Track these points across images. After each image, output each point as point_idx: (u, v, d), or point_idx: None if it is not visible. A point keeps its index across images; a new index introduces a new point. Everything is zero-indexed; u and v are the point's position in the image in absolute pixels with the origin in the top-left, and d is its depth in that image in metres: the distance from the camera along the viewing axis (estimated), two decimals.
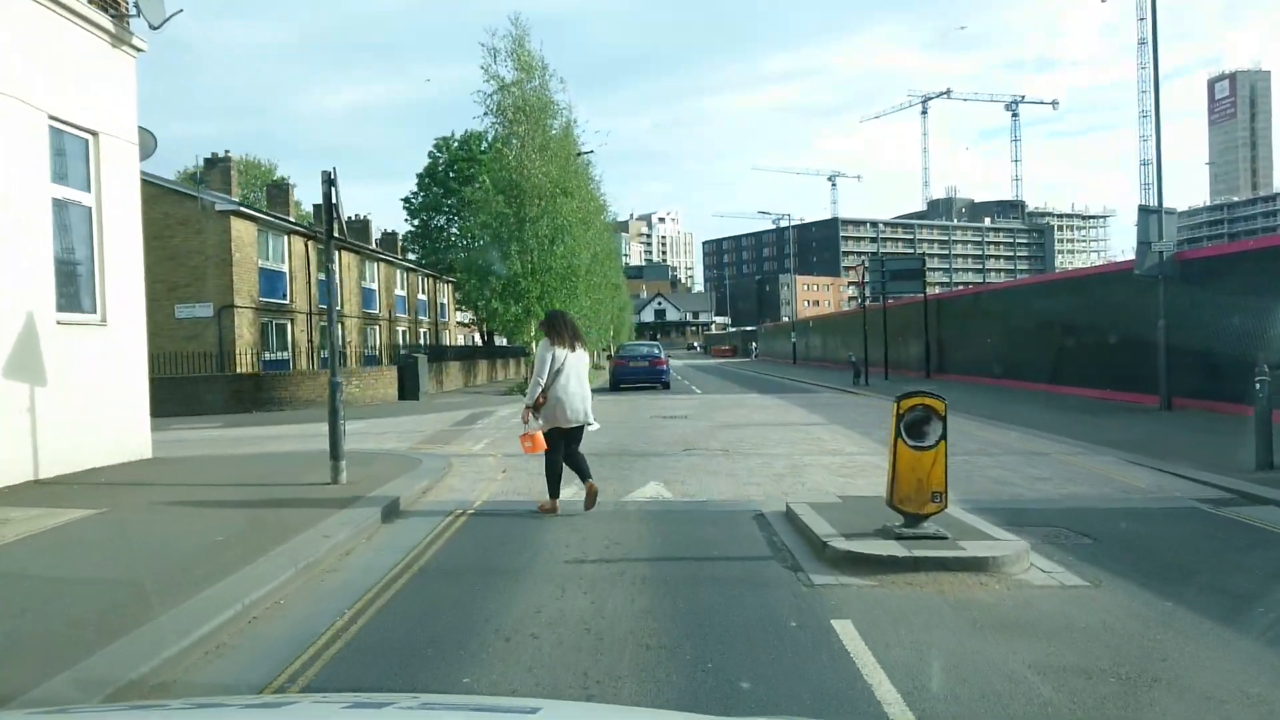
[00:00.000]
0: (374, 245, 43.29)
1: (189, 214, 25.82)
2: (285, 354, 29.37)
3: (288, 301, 29.74)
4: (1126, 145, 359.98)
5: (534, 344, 28.57)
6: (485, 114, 27.91)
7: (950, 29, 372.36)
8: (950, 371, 28.86)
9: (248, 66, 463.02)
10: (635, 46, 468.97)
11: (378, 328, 39.07)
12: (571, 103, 35.01)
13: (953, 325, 29.25)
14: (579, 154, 35.03)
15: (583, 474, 8.50)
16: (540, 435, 8.32)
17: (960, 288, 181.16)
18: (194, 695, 3.78)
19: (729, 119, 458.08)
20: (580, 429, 8.60)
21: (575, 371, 8.39)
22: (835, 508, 7.90)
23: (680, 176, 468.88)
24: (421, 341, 45.45)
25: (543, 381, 8.25)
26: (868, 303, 33.56)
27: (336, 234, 9.59)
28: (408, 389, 24.32)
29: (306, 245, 31.07)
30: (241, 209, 25.91)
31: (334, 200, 9.46)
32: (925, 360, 30.31)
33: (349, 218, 45.33)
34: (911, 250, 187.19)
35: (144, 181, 27.63)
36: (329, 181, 9.33)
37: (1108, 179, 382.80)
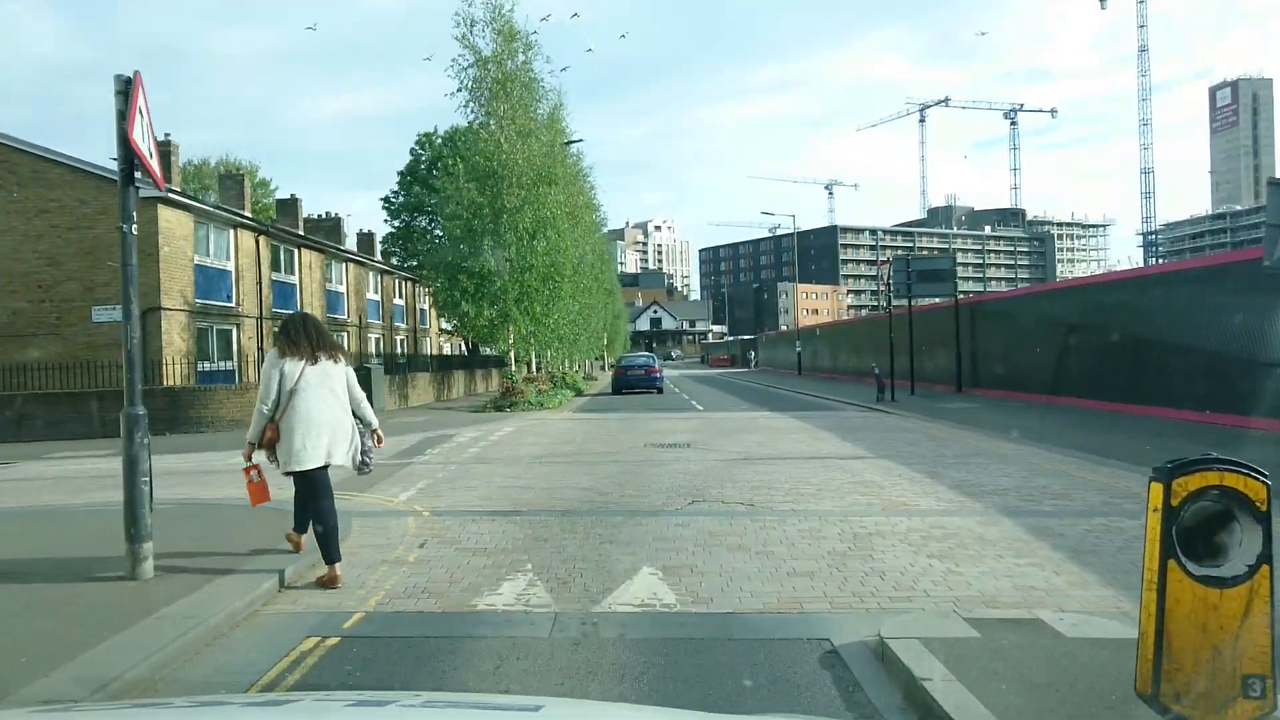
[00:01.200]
0: (347, 245, 39.78)
1: (113, 202, 22.22)
2: (230, 363, 25.78)
3: (233, 304, 26.14)
4: (1119, 157, 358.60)
5: (512, 353, 25.11)
6: (459, 89, 24.46)
7: (946, 39, 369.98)
8: (986, 385, 25.39)
9: (240, 74, 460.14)
10: (629, 56, 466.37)
11: (345, 335, 35.51)
12: (561, 88, 31.56)
13: (991, 332, 25.76)
14: (567, 142, 31.64)
15: (327, 549, 6.05)
16: (264, 483, 6.26)
17: (983, 291, 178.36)
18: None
19: (724, 129, 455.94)
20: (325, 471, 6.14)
21: (318, 392, 6.09)
22: (977, 651, 4.33)
23: (676, 186, 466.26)
24: (399, 350, 41.87)
25: (266, 408, 6.02)
26: (884, 308, 30.02)
27: (142, 175, 6.00)
28: None
29: (258, 241, 27.52)
30: (170, 195, 22.29)
31: (139, 123, 5.87)
32: (956, 373, 26.82)
33: (321, 216, 41.84)
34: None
35: (55, 162, 24.27)
36: (122, 93, 5.76)
37: (1101, 190, 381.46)
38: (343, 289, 35.67)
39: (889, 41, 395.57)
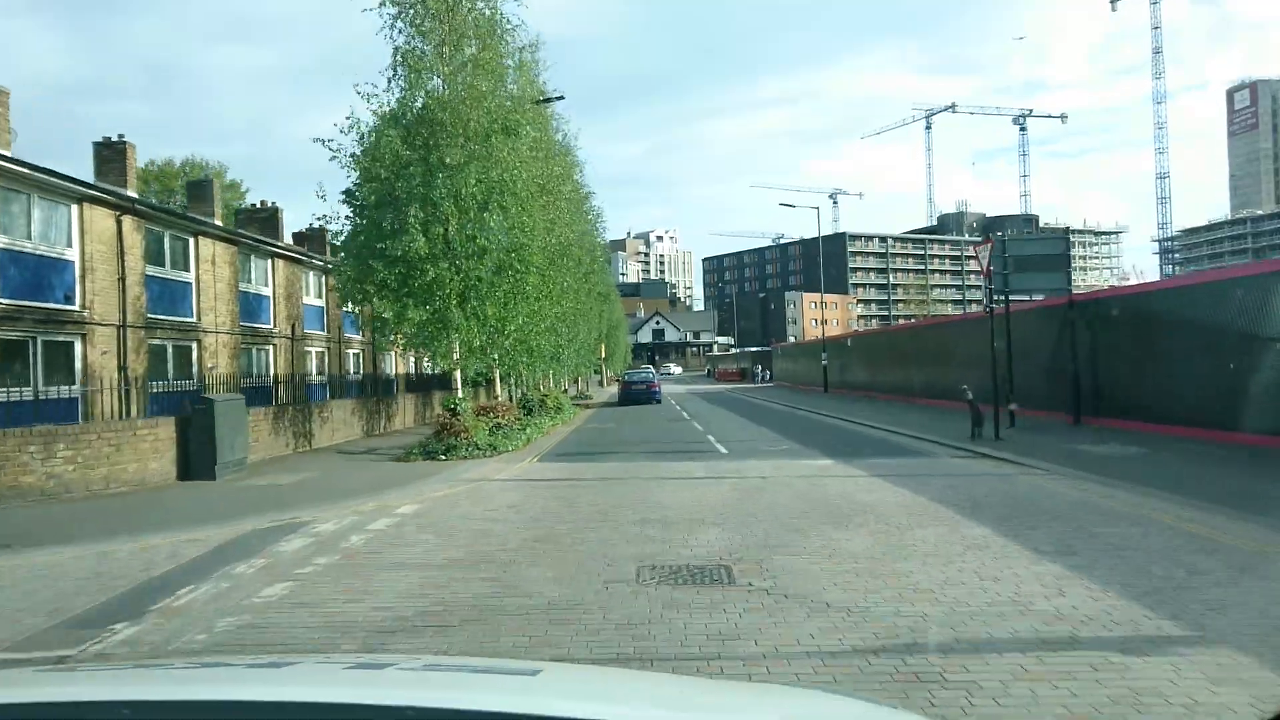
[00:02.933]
0: (286, 241, 32.59)
1: None
2: (69, 387, 18.45)
3: (76, 307, 18.88)
4: (1122, 168, 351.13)
5: (459, 373, 17.88)
6: (383, 2, 17.19)
7: (944, 54, 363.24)
8: (1115, 414, 18.13)
9: (238, 91, 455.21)
10: (630, 71, 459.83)
11: (270, 349, 28.25)
12: (540, 38, 24.20)
13: (1124, 341, 18.42)
14: (542, 100, 24.45)
15: None
16: None
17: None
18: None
19: (725, 144, 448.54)
20: None
21: None
22: None
23: (677, 201, 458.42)
24: (352, 368, 34.58)
25: None
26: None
27: None
28: (196, 459, 13.33)
29: (120, 222, 20.27)
30: None
31: None
32: (1073, 397, 19.52)
33: (256, 205, 34.66)
34: (922, 267, 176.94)
35: None
36: None
37: (1104, 200, 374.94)
38: (267, 291, 28.40)
39: (888, 58, 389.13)
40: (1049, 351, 20.95)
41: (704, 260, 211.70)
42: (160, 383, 21.27)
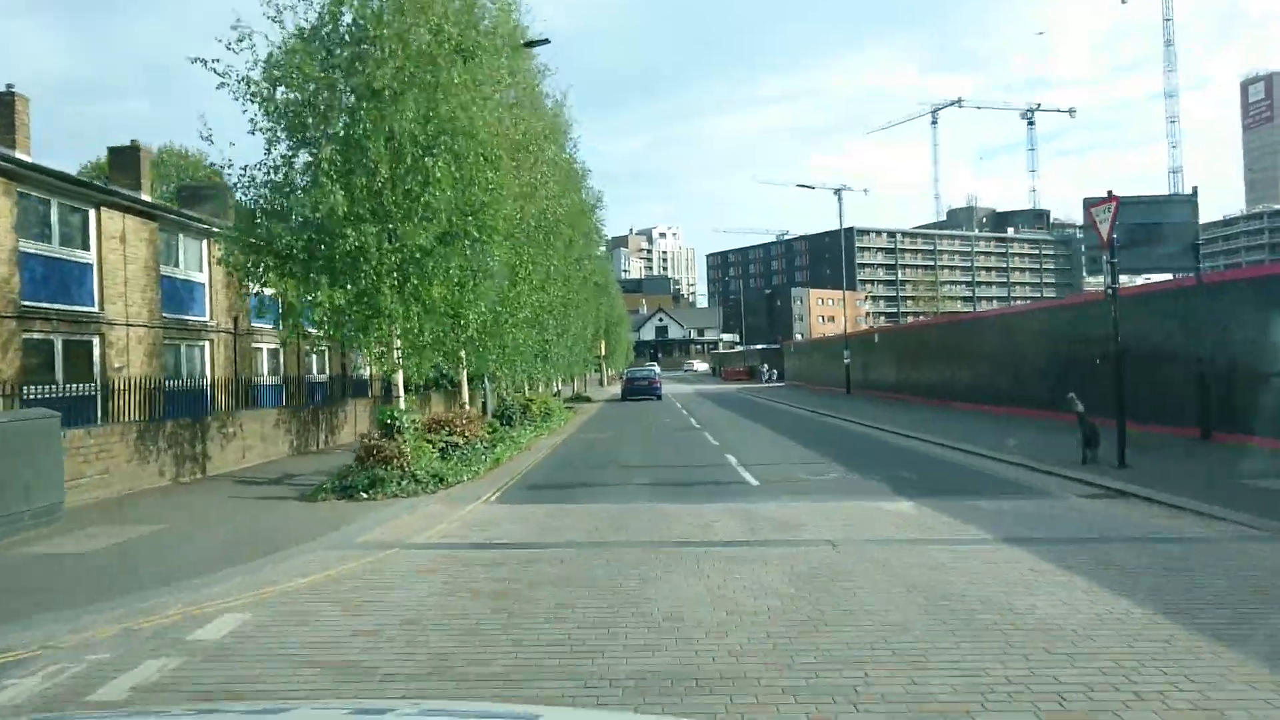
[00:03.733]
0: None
1: None
2: None
3: None
4: (1125, 165, 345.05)
5: (400, 375, 13.39)
6: None
7: (946, 51, 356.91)
8: (1271, 431, 13.61)
9: None
10: (629, 66, 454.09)
11: (205, 346, 23.73)
12: None
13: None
14: (529, 43, 19.99)
15: None
16: None
17: (986, 304, 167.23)
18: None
19: (727, 140, 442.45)
20: None
21: None
22: None
23: (680, 198, 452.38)
24: (316, 368, 30.04)
25: None
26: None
27: None
28: None
29: None
30: None
31: None
32: (1201, 405, 14.94)
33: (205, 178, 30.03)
34: (931, 263, 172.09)
35: None
36: None
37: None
38: (201, 277, 23.87)
39: (888, 54, 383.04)
40: (1157, 347, 16.39)
41: (708, 256, 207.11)
42: (43, 387, 16.79)
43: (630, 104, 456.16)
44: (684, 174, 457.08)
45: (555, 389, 33.70)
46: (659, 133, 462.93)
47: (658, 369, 55.22)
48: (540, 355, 24.54)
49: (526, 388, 27.33)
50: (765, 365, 71.68)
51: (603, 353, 64.36)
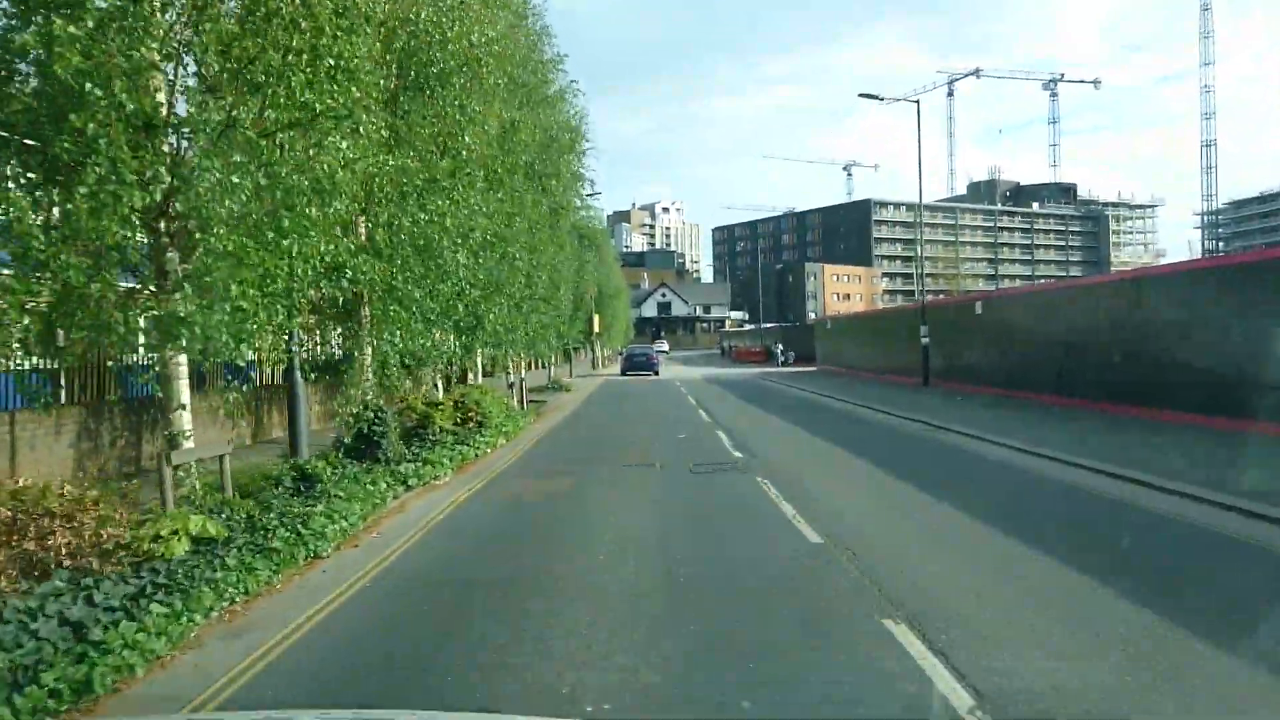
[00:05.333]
0: None
1: None
2: None
3: None
4: (1139, 148, 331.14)
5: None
6: None
7: (954, 33, 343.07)
8: None
9: None
10: (633, 48, 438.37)
11: None
12: None
13: None
14: None
15: None
16: None
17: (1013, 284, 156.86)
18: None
19: (730, 120, 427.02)
20: None
21: None
22: None
23: (684, 179, 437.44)
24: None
25: None
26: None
27: None
28: None
29: None
30: None
31: None
32: None
33: None
34: (952, 239, 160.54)
35: None
36: None
37: (1121, 178, 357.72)
38: None
39: (897, 37, 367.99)
40: None
41: (714, 230, 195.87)
42: None
43: (633, 84, 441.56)
44: (687, 156, 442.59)
45: (511, 378, 23.17)
46: (661, 113, 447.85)
47: (665, 345, 58.03)
48: (469, 325, 14.12)
49: (440, 381, 16.78)
50: (780, 346, 61.13)
51: (595, 329, 54.03)
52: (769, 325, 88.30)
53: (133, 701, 4.54)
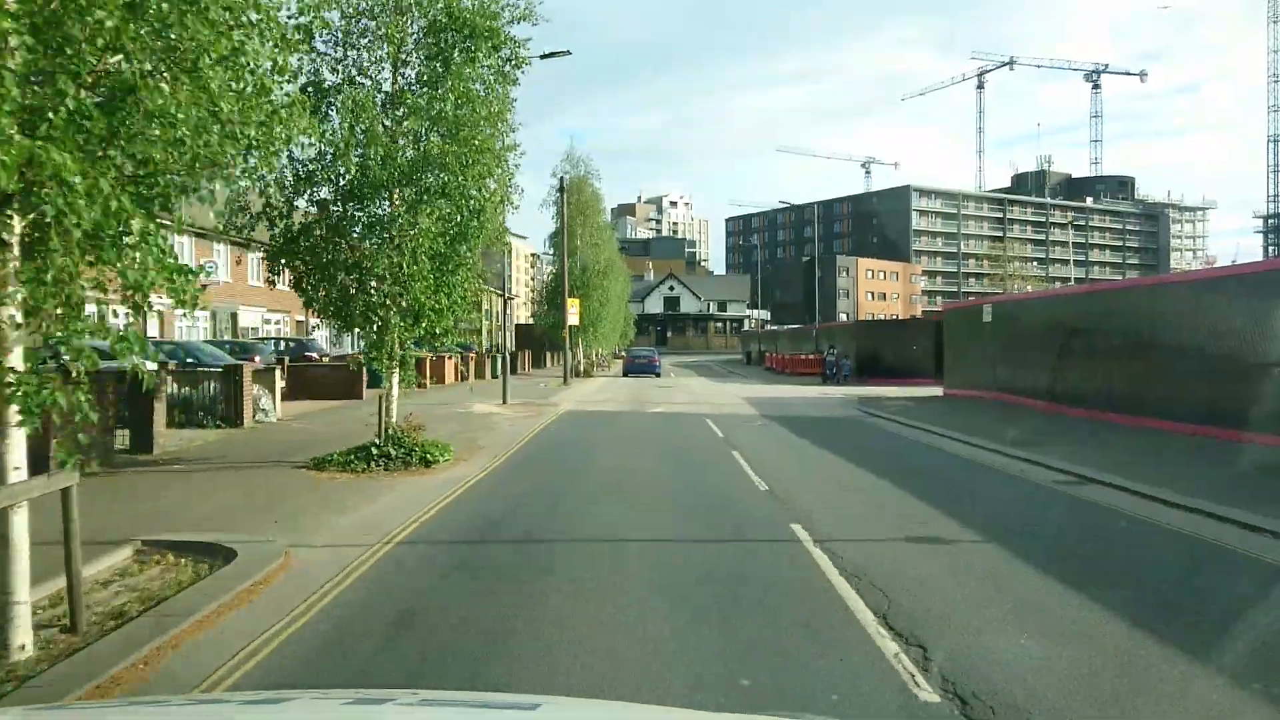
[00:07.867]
0: None
1: None
2: None
3: None
4: (1157, 154, 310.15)
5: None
6: None
7: (971, 33, 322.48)
8: None
9: None
10: (643, 43, 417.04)
11: None
12: None
13: None
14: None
15: None
16: None
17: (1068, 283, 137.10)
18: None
19: (742, 117, 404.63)
20: None
21: None
22: None
23: (695, 175, 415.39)
24: None
25: None
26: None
27: None
28: None
29: None
30: None
31: None
32: None
33: None
34: (1000, 235, 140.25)
35: None
36: None
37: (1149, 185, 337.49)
38: None
39: (914, 36, 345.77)
40: None
41: (727, 221, 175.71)
42: None
43: (643, 81, 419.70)
44: (697, 153, 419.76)
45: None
46: (672, 110, 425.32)
47: (655, 350, 53.27)
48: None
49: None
50: (836, 351, 41.09)
51: (574, 319, 34.59)
52: (794, 326, 68.29)
53: None
